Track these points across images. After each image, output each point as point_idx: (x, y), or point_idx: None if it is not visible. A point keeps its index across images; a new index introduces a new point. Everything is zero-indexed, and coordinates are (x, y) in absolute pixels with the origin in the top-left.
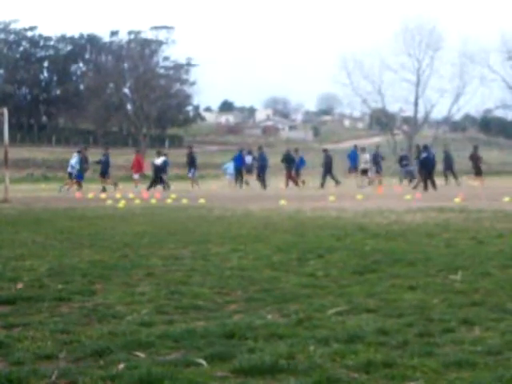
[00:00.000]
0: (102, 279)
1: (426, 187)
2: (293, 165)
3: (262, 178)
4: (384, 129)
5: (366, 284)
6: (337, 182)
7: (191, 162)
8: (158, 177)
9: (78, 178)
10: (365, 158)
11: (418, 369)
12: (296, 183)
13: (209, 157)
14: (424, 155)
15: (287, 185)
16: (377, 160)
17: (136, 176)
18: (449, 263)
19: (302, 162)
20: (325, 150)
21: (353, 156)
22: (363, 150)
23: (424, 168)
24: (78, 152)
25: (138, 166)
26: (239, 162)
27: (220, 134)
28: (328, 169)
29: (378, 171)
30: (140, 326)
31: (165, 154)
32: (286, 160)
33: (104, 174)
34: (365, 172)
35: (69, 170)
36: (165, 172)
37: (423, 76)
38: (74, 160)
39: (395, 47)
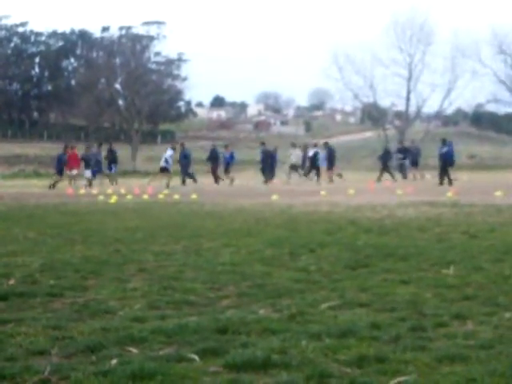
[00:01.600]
0: (94, 275)
1: (442, 182)
2: (217, 161)
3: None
4: (376, 123)
5: (358, 278)
6: (340, 175)
7: (112, 158)
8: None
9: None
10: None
11: (411, 363)
12: (217, 180)
13: (200, 152)
14: (444, 149)
15: (216, 181)
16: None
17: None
18: (441, 257)
19: (231, 157)
20: (326, 144)
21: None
22: (294, 145)
23: (444, 162)
24: (172, 148)
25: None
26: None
27: (212, 130)
28: (331, 162)
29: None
30: (132, 321)
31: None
32: (211, 157)
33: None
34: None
35: (163, 164)
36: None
37: (415, 70)
38: (168, 154)
39: (386, 42)
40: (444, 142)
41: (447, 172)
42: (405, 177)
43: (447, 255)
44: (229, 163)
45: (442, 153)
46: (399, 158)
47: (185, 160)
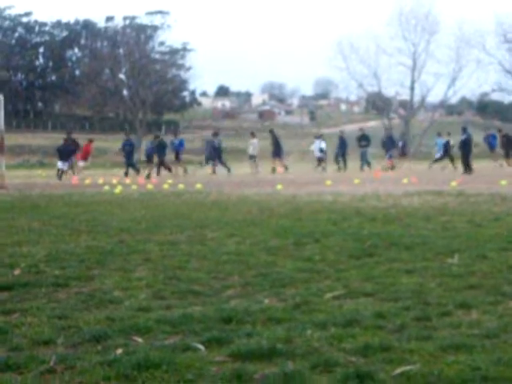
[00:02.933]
0: (99, 265)
1: (466, 170)
2: (164, 151)
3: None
4: (380, 113)
5: (363, 268)
6: (343, 167)
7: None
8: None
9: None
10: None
11: (416, 352)
12: (169, 170)
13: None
14: (464, 137)
15: (170, 170)
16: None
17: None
18: (446, 246)
19: (180, 145)
20: (341, 132)
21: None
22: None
23: (463, 150)
24: (319, 137)
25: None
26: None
27: (216, 119)
28: (343, 151)
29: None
30: (137, 311)
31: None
32: (157, 148)
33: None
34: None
35: (318, 155)
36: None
37: (419, 60)
38: (323, 145)
39: (391, 31)
40: (464, 129)
41: (468, 159)
42: (366, 165)
43: (452, 244)
44: (178, 151)
45: (461, 140)
46: (361, 146)
47: (128, 149)
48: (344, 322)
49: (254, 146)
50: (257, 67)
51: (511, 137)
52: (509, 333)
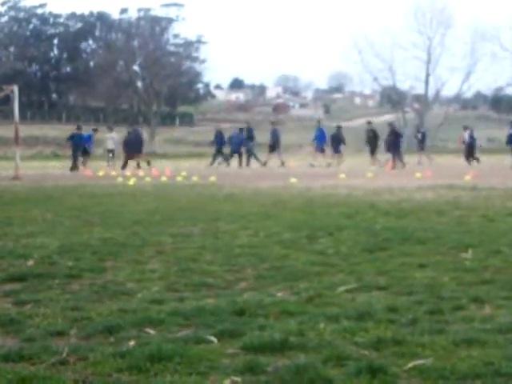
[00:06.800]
0: (113, 256)
1: None
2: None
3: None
4: (395, 106)
5: (376, 262)
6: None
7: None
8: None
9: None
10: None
11: (428, 346)
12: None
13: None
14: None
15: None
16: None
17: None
18: (459, 241)
19: (88, 139)
20: (369, 123)
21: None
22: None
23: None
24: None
25: None
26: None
27: (230, 112)
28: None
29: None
30: (150, 303)
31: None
32: (72, 142)
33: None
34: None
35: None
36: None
37: (434, 54)
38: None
39: (406, 25)
40: None
41: None
42: (248, 163)
43: (465, 239)
44: (78, 145)
45: (509, 134)
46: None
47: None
48: (357, 316)
49: (111, 140)
50: (271, 60)
51: None
52: None
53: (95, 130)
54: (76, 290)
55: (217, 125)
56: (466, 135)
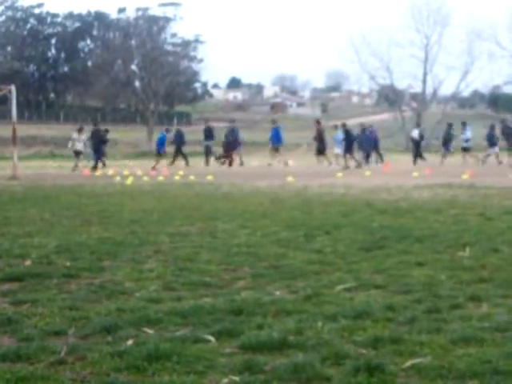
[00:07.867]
0: (110, 256)
1: None
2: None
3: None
4: (392, 105)
5: (373, 260)
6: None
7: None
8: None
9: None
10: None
11: (426, 345)
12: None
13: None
14: None
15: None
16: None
17: None
18: (456, 239)
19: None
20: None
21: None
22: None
23: None
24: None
25: None
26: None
27: (228, 111)
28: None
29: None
30: (148, 302)
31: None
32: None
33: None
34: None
35: (465, 144)
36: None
37: (431, 52)
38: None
39: (403, 23)
40: None
41: None
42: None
43: (463, 237)
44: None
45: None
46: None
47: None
48: (354, 314)
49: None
50: (269, 59)
51: None
52: None
53: (106, 131)
54: (74, 290)
55: (206, 121)
56: (415, 134)
